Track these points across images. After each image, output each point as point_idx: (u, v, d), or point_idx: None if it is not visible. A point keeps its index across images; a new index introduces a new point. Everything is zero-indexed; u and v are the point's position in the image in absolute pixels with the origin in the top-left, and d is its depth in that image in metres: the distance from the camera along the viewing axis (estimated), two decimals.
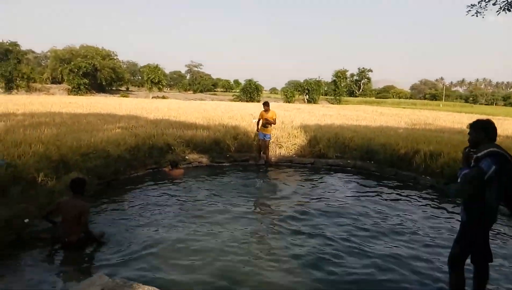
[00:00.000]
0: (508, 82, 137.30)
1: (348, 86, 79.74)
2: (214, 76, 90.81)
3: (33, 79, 51.02)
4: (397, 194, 7.21)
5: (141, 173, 7.91)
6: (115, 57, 60.76)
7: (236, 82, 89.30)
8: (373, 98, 79.94)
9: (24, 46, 52.32)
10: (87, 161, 6.72)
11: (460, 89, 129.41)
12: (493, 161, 2.80)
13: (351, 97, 76.02)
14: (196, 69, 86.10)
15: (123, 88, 64.76)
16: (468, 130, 3.19)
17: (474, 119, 3.17)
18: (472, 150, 3.04)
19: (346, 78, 70.43)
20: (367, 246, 4.54)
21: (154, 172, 8.12)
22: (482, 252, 3.08)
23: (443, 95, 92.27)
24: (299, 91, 57.69)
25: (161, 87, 57.71)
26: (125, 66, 72.37)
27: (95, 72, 53.62)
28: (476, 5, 8.84)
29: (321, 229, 5.11)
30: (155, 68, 55.63)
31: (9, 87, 47.45)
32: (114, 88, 59.80)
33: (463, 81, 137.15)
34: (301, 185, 7.69)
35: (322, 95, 63.51)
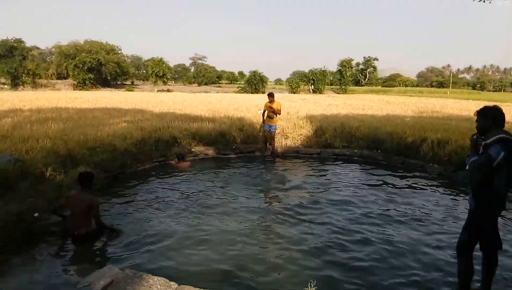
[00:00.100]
0: None
1: (354, 76, 79.14)
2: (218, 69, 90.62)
3: (38, 75, 51.45)
4: (405, 182, 7.17)
5: (148, 166, 7.96)
6: (119, 52, 60.85)
7: (241, 74, 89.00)
8: (379, 87, 79.25)
9: (26, 44, 52.39)
10: (94, 155, 6.78)
11: (468, 76, 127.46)
12: (502, 148, 2.76)
13: (357, 86, 75.51)
14: (200, 61, 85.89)
15: (128, 82, 65.00)
16: (475, 118, 3.14)
17: (482, 106, 3.11)
18: (480, 137, 3.00)
19: (352, 67, 69.77)
20: (375, 234, 4.54)
21: (161, 165, 8.16)
22: (490, 239, 3.06)
23: (450, 83, 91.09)
24: (304, 81, 57.36)
25: (166, 80, 57.72)
26: (129, 60, 72.41)
27: (100, 67, 53.87)
28: None
29: (329, 217, 5.13)
30: (160, 62, 55.58)
31: (15, 84, 47.95)
32: (119, 83, 60.05)
33: (470, 68, 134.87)
34: (308, 175, 7.68)
35: (328, 85, 62.99)
